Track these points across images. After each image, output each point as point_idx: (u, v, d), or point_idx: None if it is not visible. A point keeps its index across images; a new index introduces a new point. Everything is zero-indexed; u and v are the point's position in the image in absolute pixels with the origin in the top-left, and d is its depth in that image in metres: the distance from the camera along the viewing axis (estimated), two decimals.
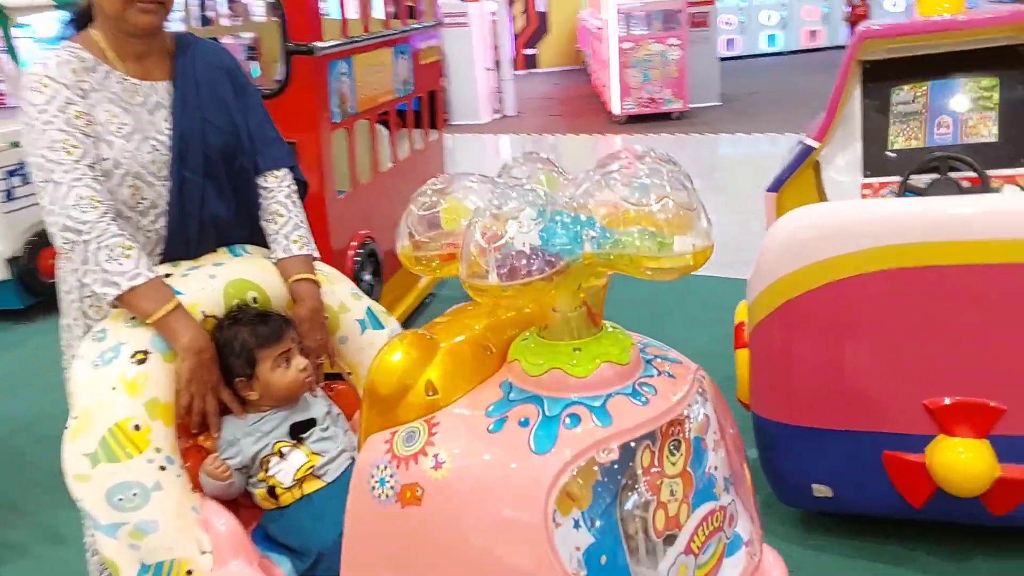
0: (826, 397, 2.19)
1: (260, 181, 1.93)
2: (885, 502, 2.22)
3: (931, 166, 2.56)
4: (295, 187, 1.97)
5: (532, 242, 1.09)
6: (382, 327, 2.02)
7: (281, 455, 1.75)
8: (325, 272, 1.96)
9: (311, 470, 1.75)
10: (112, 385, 1.62)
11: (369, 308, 2.02)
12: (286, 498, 1.73)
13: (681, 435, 1.23)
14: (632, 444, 1.16)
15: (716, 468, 1.28)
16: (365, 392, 1.28)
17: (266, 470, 1.74)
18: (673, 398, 1.21)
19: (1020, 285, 2.01)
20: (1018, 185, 2.53)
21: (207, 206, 1.83)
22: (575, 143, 9.35)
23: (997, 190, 2.51)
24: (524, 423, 1.17)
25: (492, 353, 1.30)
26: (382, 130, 3.91)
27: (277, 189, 1.93)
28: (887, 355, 2.15)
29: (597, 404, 1.18)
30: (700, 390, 1.27)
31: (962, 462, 2.04)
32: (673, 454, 1.23)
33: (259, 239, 1.95)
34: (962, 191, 2.53)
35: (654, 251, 1.10)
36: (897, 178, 2.63)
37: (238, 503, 1.79)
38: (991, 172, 2.52)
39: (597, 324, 1.26)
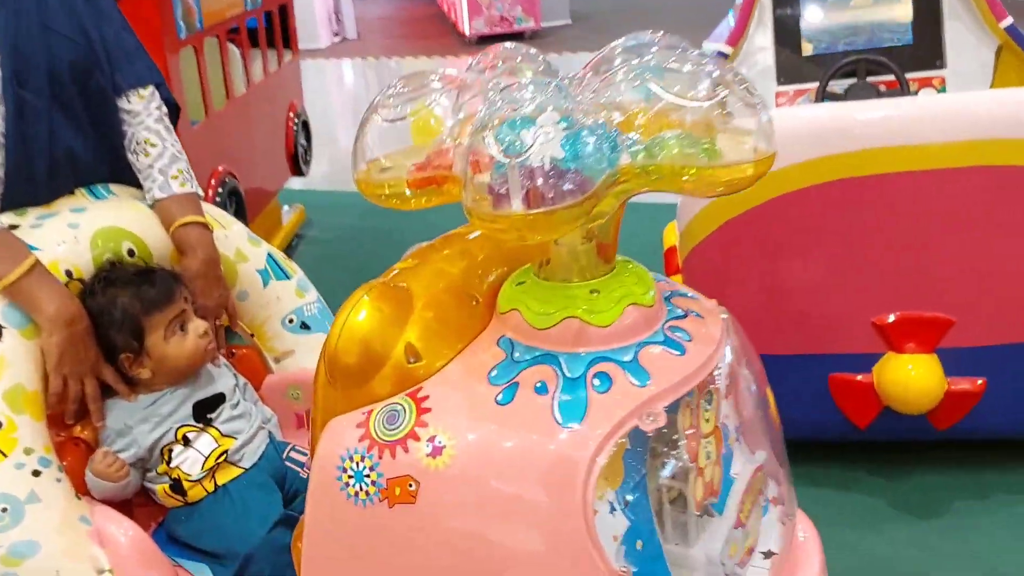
0: (768, 321, 2.06)
1: (122, 104, 1.55)
2: (829, 426, 2.13)
3: (849, 70, 2.44)
4: (165, 109, 1.60)
5: (554, 154, 0.83)
6: (287, 277, 1.71)
7: (186, 442, 1.43)
8: (212, 214, 1.62)
9: (224, 456, 1.44)
10: None
11: (270, 255, 1.70)
12: (196, 492, 1.43)
13: (713, 383, 1.02)
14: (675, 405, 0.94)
15: (749, 418, 1.08)
16: (325, 364, 1.00)
17: (168, 461, 1.42)
18: (711, 343, 1.00)
19: (955, 189, 1.92)
20: (933, 87, 2.46)
21: (57, 138, 1.45)
22: (424, 67, 8.92)
23: (915, 93, 2.44)
24: (541, 389, 0.93)
25: (478, 303, 1.04)
26: (234, 49, 3.45)
27: (144, 112, 1.55)
28: (829, 273, 2.04)
29: (628, 358, 0.95)
30: (728, 327, 1.06)
31: (913, 379, 1.97)
32: (707, 408, 1.03)
33: (125, 178, 1.58)
34: (880, 95, 2.44)
35: (706, 159, 0.86)
36: (813, 84, 2.51)
37: (131, 503, 1.47)
38: (907, 75, 2.44)
39: (610, 259, 1.02)
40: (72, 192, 1.51)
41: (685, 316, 1.03)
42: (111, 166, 1.55)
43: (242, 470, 1.45)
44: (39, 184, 1.45)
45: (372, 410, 0.98)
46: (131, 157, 1.55)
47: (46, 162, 1.44)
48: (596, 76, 0.95)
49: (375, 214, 4.43)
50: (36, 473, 1.26)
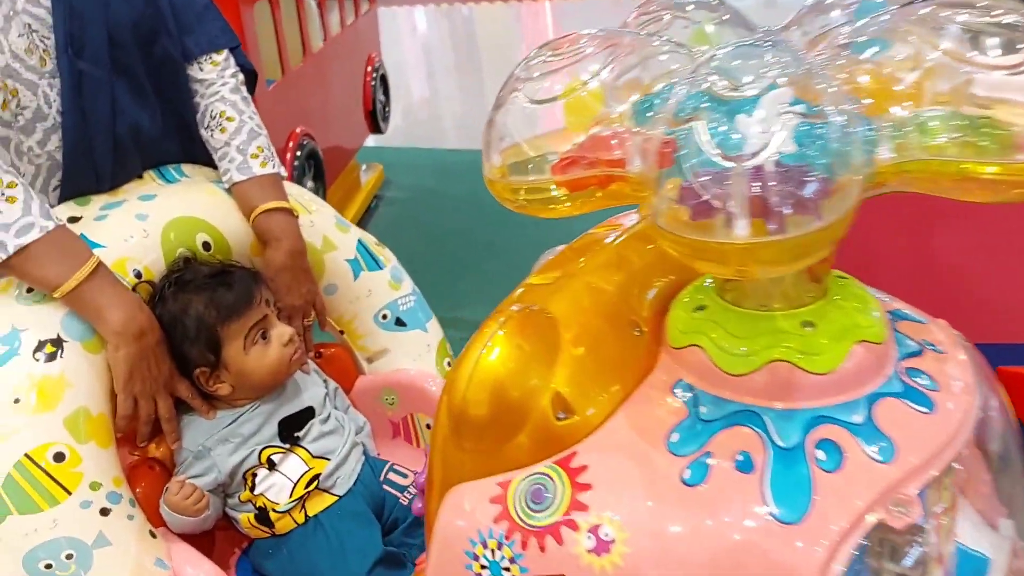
0: (921, 306, 1.77)
1: (193, 72, 1.34)
2: None
3: None
4: (241, 76, 1.39)
5: (786, 150, 0.58)
6: (380, 266, 1.49)
7: (271, 465, 1.24)
8: (296, 195, 1.41)
9: (315, 482, 1.25)
10: (12, 396, 1.07)
11: (361, 242, 1.49)
12: (284, 524, 1.24)
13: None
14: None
15: (993, 479, 0.83)
16: (448, 415, 0.78)
17: (251, 487, 1.24)
18: (965, 394, 0.75)
19: None
20: None
21: (120, 114, 1.24)
22: (502, 14, 8.60)
23: None
24: (744, 464, 0.69)
25: (642, 332, 0.81)
26: (310, 1, 3.23)
27: (219, 81, 1.34)
28: (996, 250, 1.73)
29: (859, 418, 0.71)
30: (974, 362, 0.81)
31: None
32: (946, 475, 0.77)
33: (198, 157, 1.38)
34: None
35: (998, 153, 0.61)
36: None
37: (212, 528, 1.29)
38: None
39: (821, 277, 0.77)
40: (139, 176, 1.32)
41: (921, 352, 0.78)
42: (182, 144, 1.35)
43: (335, 498, 1.26)
44: (102, 168, 1.25)
45: (511, 480, 0.75)
46: (204, 133, 1.34)
47: (109, 142, 1.24)
48: (817, 29, 0.69)
49: (453, 174, 4.25)
50: (104, 512, 1.09)
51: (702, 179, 0.59)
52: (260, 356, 1.22)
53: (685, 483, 0.69)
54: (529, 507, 0.73)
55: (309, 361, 1.37)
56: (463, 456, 0.78)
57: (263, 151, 1.32)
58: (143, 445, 1.25)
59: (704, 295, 0.80)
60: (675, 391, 0.76)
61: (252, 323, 1.21)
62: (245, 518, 1.25)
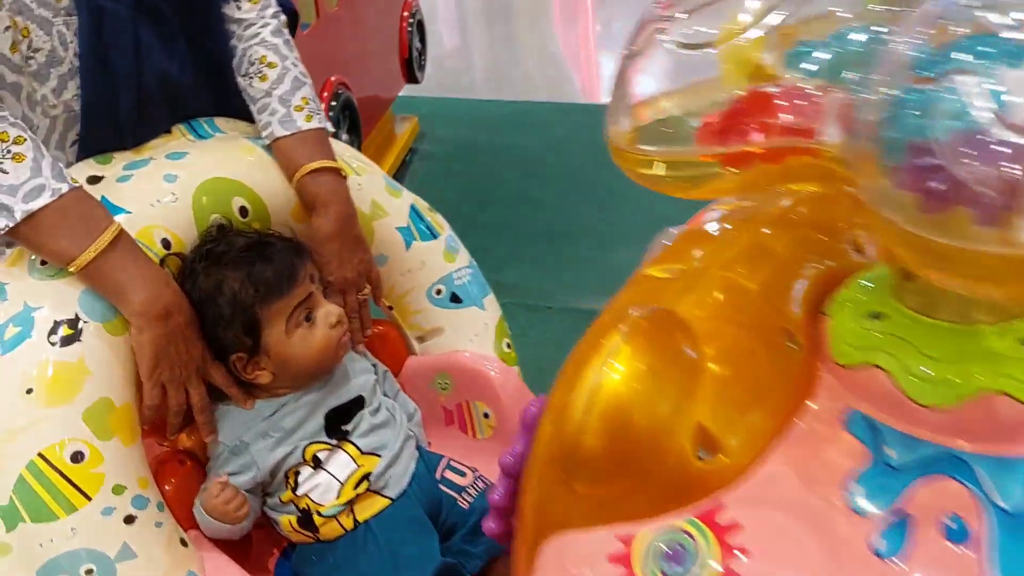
0: None
1: (229, 11, 1.17)
2: None
3: None
4: (284, 18, 1.22)
5: None
6: (434, 235, 1.33)
7: (316, 463, 1.10)
8: (342, 153, 1.25)
9: (366, 482, 1.10)
10: (24, 385, 0.93)
11: (414, 207, 1.32)
12: (331, 529, 1.10)
13: None
14: None
15: None
16: (553, 444, 0.62)
17: (294, 487, 1.09)
18: None
19: None
20: None
21: (145, 58, 1.08)
22: None
23: None
24: (957, 532, 0.53)
25: (799, 346, 0.64)
26: None
27: (259, 22, 1.17)
28: None
29: None
30: None
31: None
32: None
33: (233, 110, 1.22)
34: None
35: None
36: None
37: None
38: None
39: None
40: (168, 130, 1.16)
41: None
42: (215, 95, 1.19)
43: (388, 501, 1.11)
44: (125, 121, 1.09)
45: (635, 535, 0.60)
46: (242, 81, 1.18)
47: (133, 91, 1.08)
48: None
49: (490, 125, 4.06)
50: (129, 519, 0.94)
51: (966, 157, 0.42)
52: (304, 340, 1.06)
53: (878, 555, 0.53)
54: (664, 569, 0.58)
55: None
56: (571, 499, 0.63)
57: (308, 103, 1.16)
58: (173, 437, 1.11)
59: (876, 298, 0.63)
60: (848, 425, 0.60)
61: (295, 303, 1.05)
62: (286, 521, 1.11)
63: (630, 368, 0.59)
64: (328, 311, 1.08)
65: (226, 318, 1.03)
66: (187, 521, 1.06)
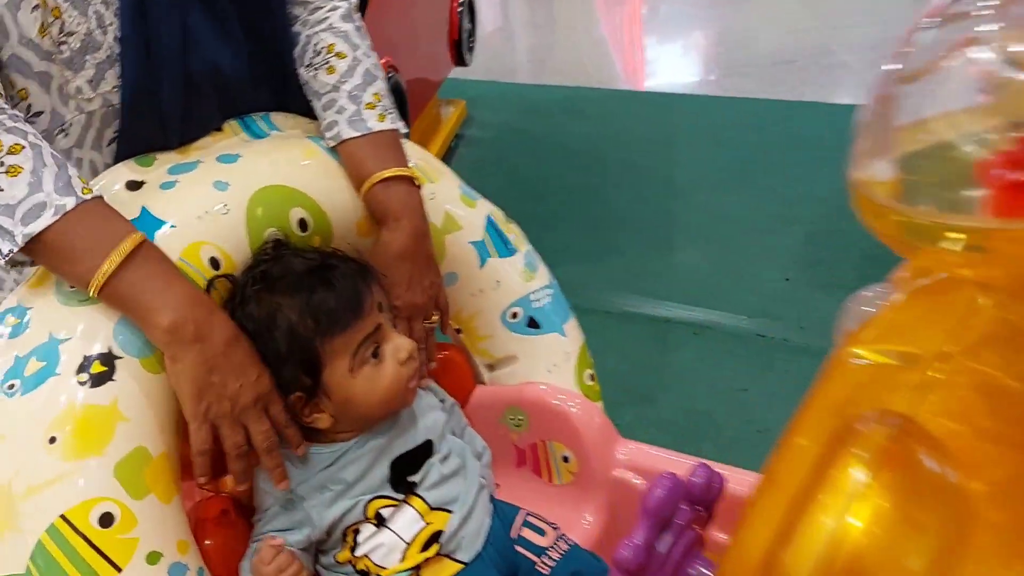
0: None
1: None
2: None
3: None
4: (354, 0, 1.06)
5: None
6: (511, 252, 1.17)
7: (379, 520, 0.95)
8: (415, 155, 1.09)
9: (436, 544, 0.95)
10: (47, 433, 0.79)
11: (490, 219, 1.17)
12: None
13: None
14: None
15: None
16: None
17: (352, 546, 0.95)
18: None
19: None
20: None
21: (193, 45, 0.93)
22: None
23: None
24: None
25: None
26: None
27: (327, 5, 1.02)
28: None
29: None
30: None
31: None
32: None
33: (292, 105, 1.06)
34: None
35: None
36: None
37: None
38: None
39: None
40: (218, 128, 1.01)
41: None
42: (273, 88, 1.04)
43: (460, 566, 0.96)
44: (169, 115, 0.94)
45: None
46: (305, 73, 1.02)
47: (179, 81, 0.93)
48: None
49: (537, 112, 3.88)
50: None
51: None
52: (371, 379, 0.91)
53: None
54: None
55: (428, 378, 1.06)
56: None
57: (381, 99, 1.00)
58: (203, 480, 0.96)
59: None
60: None
61: (361, 336, 0.90)
62: None
63: (875, 513, 0.43)
64: (398, 345, 0.93)
65: (282, 353, 0.88)
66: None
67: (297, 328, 0.87)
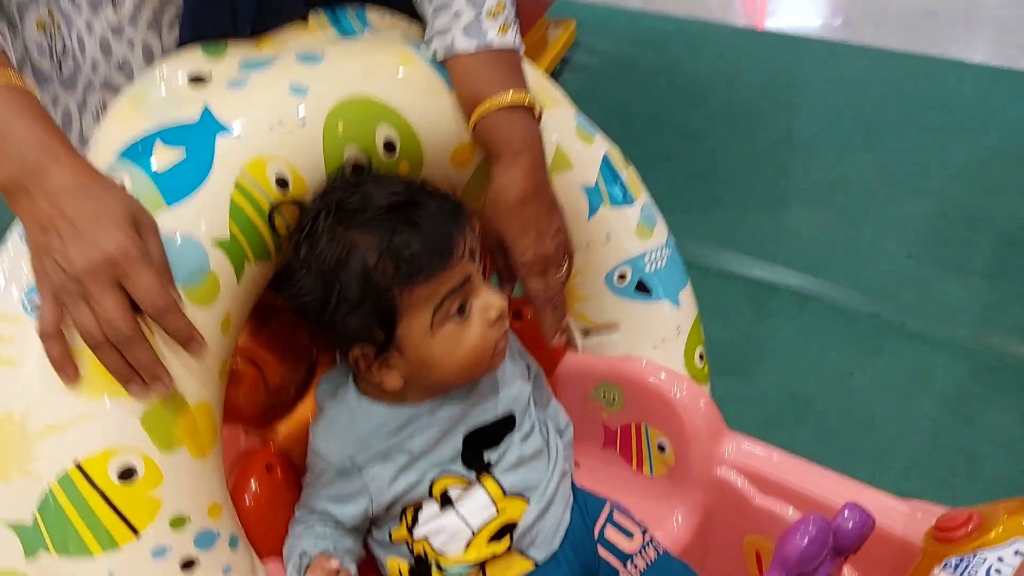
0: None
1: None
2: None
3: None
4: None
5: None
6: (628, 200, 1.00)
7: (445, 501, 0.81)
8: (532, 79, 0.92)
9: (508, 536, 0.81)
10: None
11: (607, 159, 0.99)
12: None
13: None
14: None
15: None
16: None
17: (410, 524, 0.81)
18: None
19: None
20: None
21: None
22: None
23: None
24: None
25: None
26: None
27: None
28: None
29: None
30: None
31: None
32: None
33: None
34: None
35: None
36: None
37: None
38: None
39: None
40: (303, 16, 0.85)
41: None
42: None
43: (531, 565, 0.82)
44: (241, 3, 0.79)
45: None
46: None
47: None
48: None
49: (650, 41, 3.63)
50: (188, 565, 0.68)
51: None
52: (453, 339, 0.76)
53: None
54: None
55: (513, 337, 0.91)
56: None
57: (504, 9, 0.83)
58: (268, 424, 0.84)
59: None
60: None
61: (447, 289, 0.75)
62: (395, 566, 0.83)
63: None
64: (488, 302, 0.78)
65: (352, 300, 0.73)
66: (265, 545, 0.80)
67: (373, 273, 0.72)
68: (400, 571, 0.83)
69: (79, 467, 0.65)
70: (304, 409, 0.89)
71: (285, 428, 0.89)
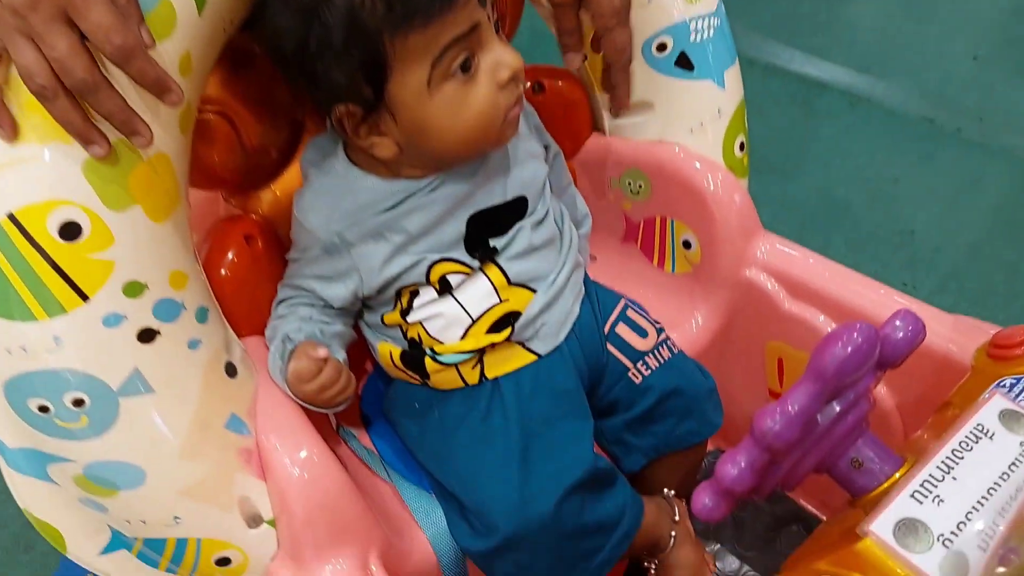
0: None
1: None
2: None
3: None
4: None
5: None
6: None
7: (444, 288, 0.72)
8: None
9: (510, 327, 0.73)
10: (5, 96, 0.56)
11: None
12: (445, 379, 0.75)
13: None
14: None
15: None
16: None
17: (405, 310, 0.74)
18: None
19: None
20: None
21: None
22: None
23: None
24: None
25: None
26: None
27: None
28: None
29: None
30: None
31: None
32: None
33: None
34: None
35: None
36: None
37: None
38: None
39: None
40: None
41: None
42: None
43: (533, 357, 0.75)
44: None
45: None
46: None
47: None
48: None
49: None
50: (147, 336, 0.61)
51: None
52: (455, 101, 0.65)
53: None
54: None
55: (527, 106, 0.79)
56: None
57: None
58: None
59: None
60: None
61: (450, 38, 0.62)
62: (386, 350, 0.76)
63: None
64: (499, 59, 0.65)
65: (335, 47, 0.61)
66: (245, 322, 0.73)
67: (359, 11, 0.60)
68: (392, 356, 0.76)
69: (13, 219, 0.56)
70: (291, 176, 0.79)
71: (269, 196, 0.80)
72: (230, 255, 0.73)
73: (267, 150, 0.73)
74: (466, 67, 0.64)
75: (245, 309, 0.73)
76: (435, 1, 0.60)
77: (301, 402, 0.69)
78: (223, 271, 0.72)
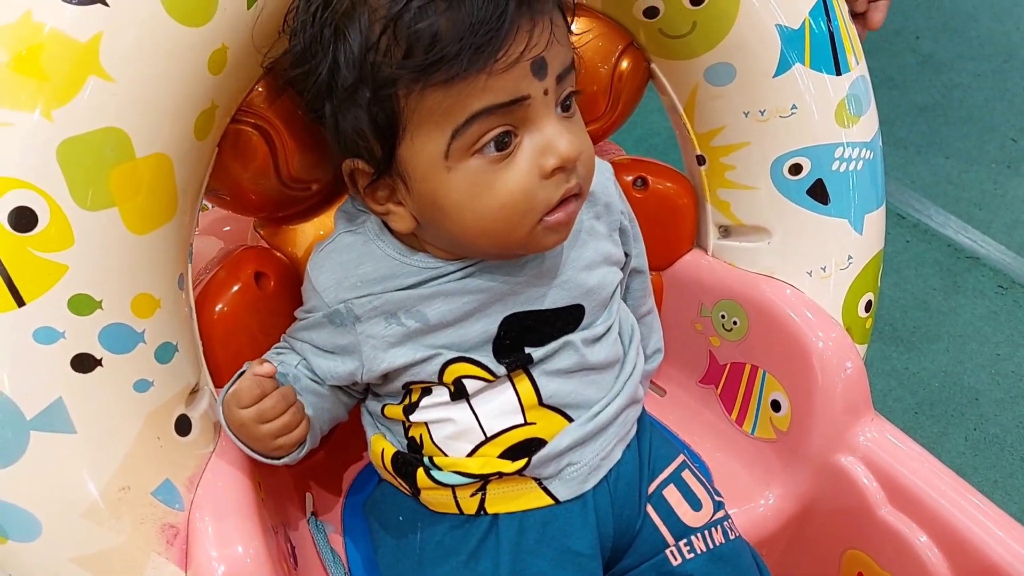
0: None
1: None
2: None
3: None
4: None
5: None
6: (839, 68, 0.71)
7: (459, 392, 0.59)
8: None
9: (526, 457, 0.59)
10: None
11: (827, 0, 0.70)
12: (437, 499, 0.61)
13: None
14: None
15: None
16: None
17: (410, 405, 0.61)
18: None
19: None
20: None
21: None
22: None
23: None
24: None
25: None
26: None
27: None
28: None
29: None
30: None
31: None
32: None
33: None
34: None
35: None
36: None
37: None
38: None
39: None
40: None
41: None
42: None
43: (550, 502, 0.60)
44: None
45: None
46: None
47: None
48: None
49: None
50: (84, 363, 0.50)
51: None
52: (479, 182, 0.51)
53: None
54: None
55: (609, 167, 0.66)
56: None
57: None
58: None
59: None
60: None
61: (482, 105, 0.49)
62: (378, 447, 0.63)
63: None
64: (549, 143, 0.51)
65: (344, 90, 0.50)
66: (231, 372, 0.62)
67: (372, 53, 0.48)
68: (383, 454, 0.62)
69: None
70: (330, 221, 0.69)
71: (307, 236, 0.69)
72: (233, 290, 0.62)
73: (305, 183, 0.63)
74: (502, 145, 0.51)
75: (233, 356, 0.62)
76: (465, 54, 0.47)
77: (239, 442, 0.56)
78: (219, 307, 0.62)
